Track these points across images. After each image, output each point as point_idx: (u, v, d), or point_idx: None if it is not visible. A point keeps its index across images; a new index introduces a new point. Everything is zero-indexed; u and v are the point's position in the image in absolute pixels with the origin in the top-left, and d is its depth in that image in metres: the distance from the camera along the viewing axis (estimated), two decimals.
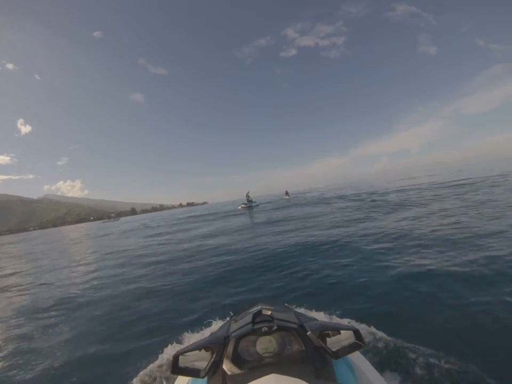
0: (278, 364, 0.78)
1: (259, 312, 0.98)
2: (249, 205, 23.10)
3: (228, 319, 1.24)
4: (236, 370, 0.78)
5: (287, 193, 32.51)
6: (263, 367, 0.77)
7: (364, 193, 18.99)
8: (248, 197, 24.83)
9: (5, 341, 3.22)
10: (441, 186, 15.14)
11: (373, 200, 13.42)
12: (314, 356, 0.79)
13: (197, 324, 2.65)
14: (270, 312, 0.98)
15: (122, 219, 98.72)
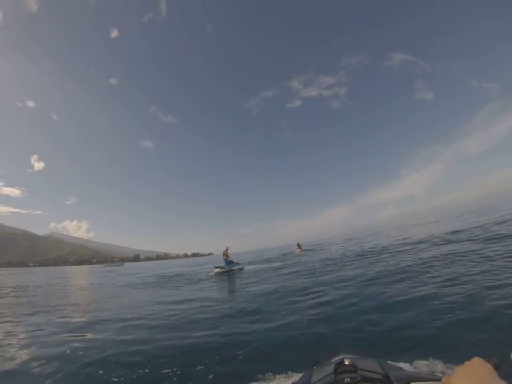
0: None
1: (341, 362, 0.96)
2: (227, 268, 15.48)
3: (309, 368, 1.19)
4: None
5: (298, 245, 27.29)
6: None
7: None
8: (226, 255, 16.43)
9: None
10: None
11: None
12: None
13: (281, 373, 2.61)
14: (353, 361, 0.95)
15: (126, 265, 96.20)
